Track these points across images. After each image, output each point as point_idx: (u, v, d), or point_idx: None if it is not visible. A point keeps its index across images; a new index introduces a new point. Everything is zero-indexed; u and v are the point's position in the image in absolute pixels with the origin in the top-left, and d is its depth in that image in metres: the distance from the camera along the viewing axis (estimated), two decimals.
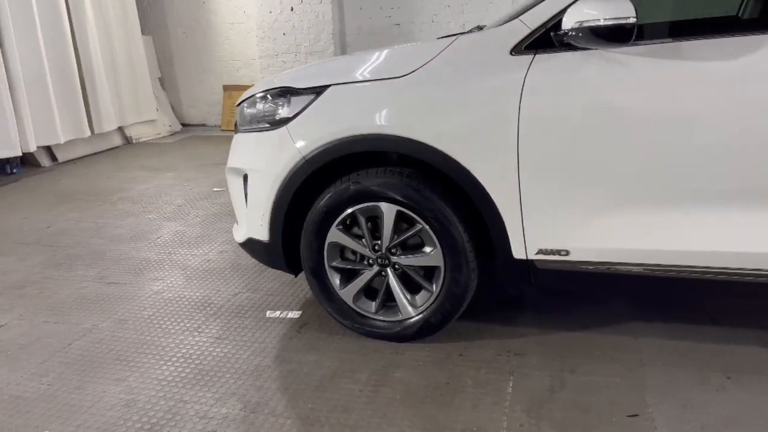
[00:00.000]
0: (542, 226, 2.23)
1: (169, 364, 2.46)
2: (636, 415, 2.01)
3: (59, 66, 6.51)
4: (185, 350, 2.56)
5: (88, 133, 6.93)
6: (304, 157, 2.40)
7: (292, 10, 7.43)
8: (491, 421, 2.02)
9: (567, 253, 2.24)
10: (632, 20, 1.90)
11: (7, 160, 6.21)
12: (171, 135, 8.25)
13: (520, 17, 2.18)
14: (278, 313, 2.85)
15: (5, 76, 5.79)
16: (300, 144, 2.40)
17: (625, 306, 2.71)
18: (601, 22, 1.94)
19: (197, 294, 3.11)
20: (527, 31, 2.14)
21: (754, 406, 2.02)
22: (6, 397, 2.29)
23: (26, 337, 2.74)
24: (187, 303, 3.01)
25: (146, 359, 2.50)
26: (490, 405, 2.10)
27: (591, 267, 2.24)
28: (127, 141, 7.77)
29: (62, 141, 6.55)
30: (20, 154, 6.07)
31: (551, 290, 2.84)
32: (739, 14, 3.16)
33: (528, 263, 2.30)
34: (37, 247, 3.99)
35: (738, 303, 2.63)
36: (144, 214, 4.59)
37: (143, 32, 8.19)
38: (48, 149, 6.69)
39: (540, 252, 2.27)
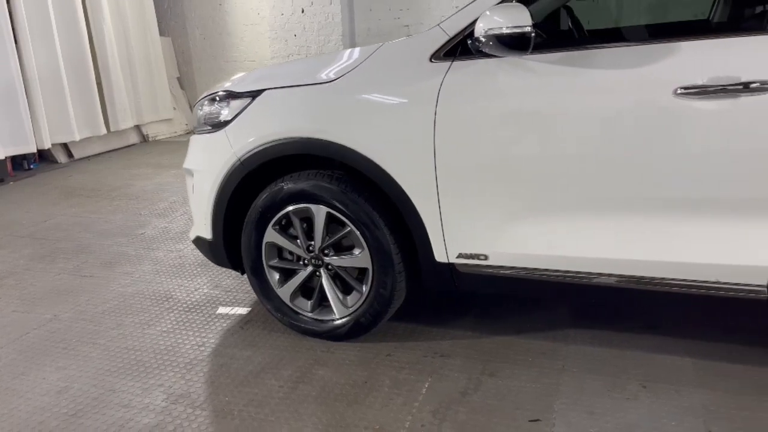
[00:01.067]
0: (461, 231, 2.26)
1: (111, 355, 2.58)
2: (538, 420, 2.03)
3: (75, 65, 6.78)
4: (130, 342, 2.67)
5: (104, 131, 7.20)
6: (239, 159, 2.48)
7: (302, 12, 7.55)
8: (396, 420, 2.06)
9: (485, 257, 2.27)
10: (528, 29, 1.92)
11: (24, 156, 6.51)
12: (187, 133, 8.48)
13: (440, 24, 2.22)
14: (228, 309, 2.94)
15: (20, 74, 6.07)
16: (236, 146, 2.48)
17: (563, 313, 2.70)
18: (504, 31, 1.96)
19: (160, 289, 3.23)
20: (446, 39, 2.18)
21: (657, 415, 2.01)
22: None
23: None
24: (147, 297, 3.14)
25: (92, 349, 2.63)
26: (399, 405, 2.15)
27: (509, 272, 2.26)
28: (144, 139, 8.03)
29: (77, 138, 6.82)
30: (35, 150, 6.35)
31: (493, 295, 2.85)
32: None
33: (450, 267, 2.33)
34: (29, 240, 4.19)
35: (677, 312, 2.60)
36: (136, 210, 4.76)
37: (163, 33, 8.46)
38: (65, 146, 6.97)
39: (460, 256, 2.30)
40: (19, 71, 6.07)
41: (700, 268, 2.02)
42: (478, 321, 2.70)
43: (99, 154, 7.29)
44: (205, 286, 3.23)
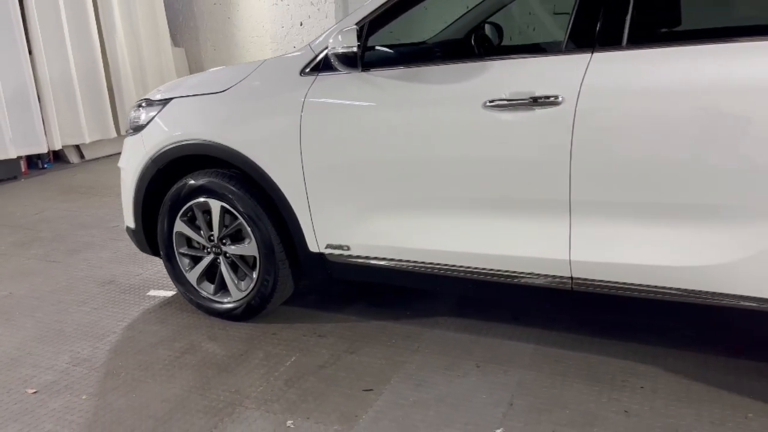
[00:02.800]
0: (327, 224, 2.57)
1: (41, 326, 2.98)
2: (371, 390, 2.31)
3: (87, 73, 7.33)
4: (61, 317, 3.07)
5: (114, 134, 7.74)
6: (150, 158, 2.85)
7: (301, 25, 7.97)
8: (251, 386, 2.38)
9: (348, 248, 2.57)
10: (355, 50, 2.23)
11: (39, 156, 7.09)
12: None
13: (310, 43, 2.54)
14: (158, 292, 3.31)
15: (33, 80, 6.64)
16: (148, 147, 2.86)
17: (440, 303, 2.96)
18: (340, 51, 2.28)
19: (108, 274, 3.63)
20: (312, 56, 2.50)
21: (475, 389, 2.26)
22: None
23: None
24: (93, 280, 3.54)
25: (27, 321, 3.03)
26: (261, 374, 2.46)
27: (369, 261, 2.55)
28: None
29: (87, 141, 7.37)
30: (45, 151, 6.91)
31: (382, 285, 3.12)
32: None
33: (321, 256, 2.64)
34: (16, 229, 4.68)
35: (540, 305, 2.83)
36: (118, 206, 5.20)
37: (178, 45, 9.00)
38: (78, 148, 7.54)
39: (328, 246, 2.61)
40: (32, 78, 6.64)
41: (519, 260, 2.27)
42: (364, 308, 2.98)
43: (110, 155, 7.83)
44: (147, 272, 3.62)
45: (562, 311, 2.78)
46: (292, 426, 2.12)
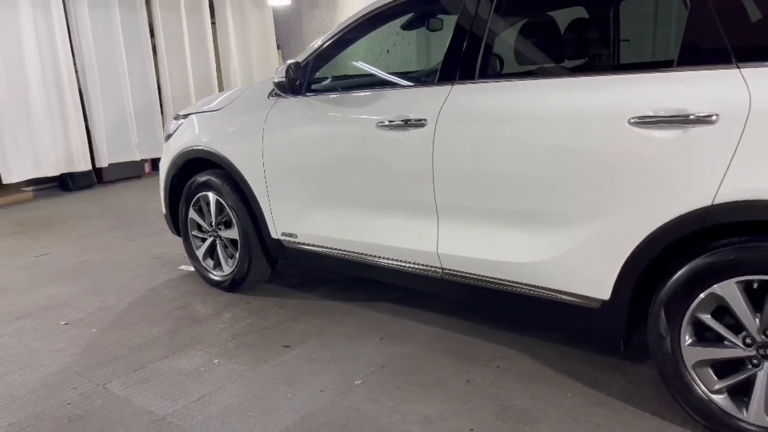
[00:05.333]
0: (280, 215, 3.23)
1: (93, 282, 3.94)
2: (289, 346, 2.93)
3: (203, 89, 8.64)
4: (109, 277, 4.02)
5: None
6: (173, 160, 3.70)
7: (388, 51, 8.74)
8: (206, 335, 3.09)
9: (296, 236, 3.22)
10: (284, 80, 2.88)
11: (159, 159, 8.50)
12: None
13: (278, 69, 3.24)
14: (185, 267, 4.17)
15: (158, 97, 8.04)
16: (171, 151, 3.71)
17: (387, 290, 3.47)
18: (276, 80, 2.95)
19: (159, 251, 4.58)
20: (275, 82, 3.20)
21: (357, 352, 2.79)
22: None
23: None
24: (148, 255, 4.50)
25: (87, 279, 4.02)
26: (220, 329, 3.17)
27: (311, 248, 3.18)
28: None
29: None
30: None
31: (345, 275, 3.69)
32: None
33: (279, 242, 3.31)
34: (119, 216, 5.85)
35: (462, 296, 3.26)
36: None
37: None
38: None
39: (283, 234, 3.27)
40: (158, 96, 8.04)
41: (407, 252, 2.78)
42: (329, 292, 3.58)
43: None
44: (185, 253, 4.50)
45: (473, 303, 3.20)
46: (216, 362, 2.80)
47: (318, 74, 3.08)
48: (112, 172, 7.78)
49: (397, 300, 3.37)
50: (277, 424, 2.30)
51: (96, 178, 7.64)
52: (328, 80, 3.22)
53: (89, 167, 7.43)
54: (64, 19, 7.01)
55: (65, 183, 7.44)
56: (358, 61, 3.97)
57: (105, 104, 7.52)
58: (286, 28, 10.22)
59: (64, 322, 3.33)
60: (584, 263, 2.25)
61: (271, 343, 2.97)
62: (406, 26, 3.39)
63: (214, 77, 8.77)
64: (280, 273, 3.90)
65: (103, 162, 7.56)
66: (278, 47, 9.90)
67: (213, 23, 8.83)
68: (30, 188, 7.27)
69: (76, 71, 7.25)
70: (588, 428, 2.18)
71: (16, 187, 7.11)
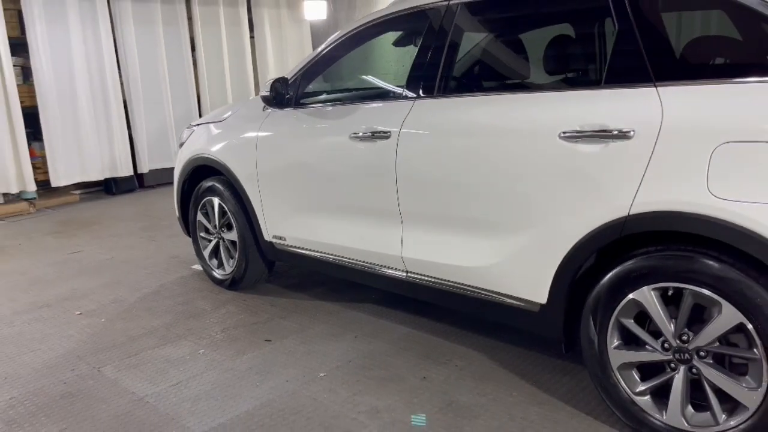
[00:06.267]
0: (272, 219, 3.48)
1: (112, 276, 4.29)
2: (270, 340, 3.16)
3: (240, 99, 9.05)
4: (127, 274, 4.36)
5: None
6: (183, 167, 4.02)
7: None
8: (199, 328, 3.36)
9: (285, 239, 3.45)
10: (268, 94, 3.13)
11: None
12: None
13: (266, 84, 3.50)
14: (196, 266, 4.47)
15: (197, 105, 8.48)
16: (182, 158, 4.03)
17: (373, 292, 3.66)
18: (262, 94, 3.21)
19: (178, 251, 4.90)
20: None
21: (331, 349, 2.99)
22: None
23: None
24: (166, 254, 4.83)
25: (108, 274, 4.37)
26: (212, 322, 3.43)
27: (299, 251, 3.40)
28: None
29: None
30: None
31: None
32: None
33: (272, 244, 3.55)
34: (150, 219, 6.26)
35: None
36: None
37: None
38: None
39: (274, 237, 3.51)
40: (197, 104, 8.48)
41: (377, 255, 2.97)
42: (321, 293, 3.80)
43: None
44: None
45: (436, 304, 3.35)
46: (201, 352, 3.06)
47: (314, 88, 3.32)
48: (153, 178, 8.24)
49: (381, 302, 3.55)
50: (238, 408, 2.52)
51: (137, 182, 8.12)
52: (323, 94, 3.46)
53: (131, 173, 7.91)
54: (111, 34, 7.52)
55: (109, 187, 7.94)
56: (366, 74, 4.20)
57: (147, 114, 8.00)
58: (323, 41, 10.57)
59: (78, 312, 3.67)
60: (523, 268, 2.39)
61: (254, 337, 3.21)
62: (397, 43, 3.60)
63: (252, 89, 9.17)
64: (281, 273, 4.15)
65: (144, 168, 8.03)
66: None
67: (252, 37, 9.25)
68: (78, 191, 7.80)
69: (122, 83, 7.75)
70: (522, 424, 2.32)
71: (65, 190, 7.65)
